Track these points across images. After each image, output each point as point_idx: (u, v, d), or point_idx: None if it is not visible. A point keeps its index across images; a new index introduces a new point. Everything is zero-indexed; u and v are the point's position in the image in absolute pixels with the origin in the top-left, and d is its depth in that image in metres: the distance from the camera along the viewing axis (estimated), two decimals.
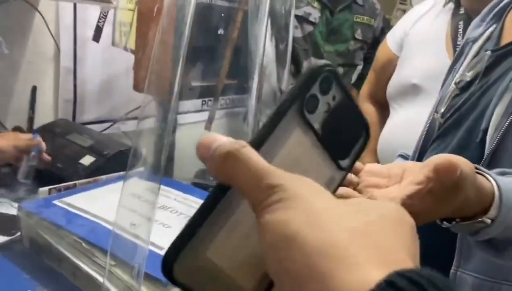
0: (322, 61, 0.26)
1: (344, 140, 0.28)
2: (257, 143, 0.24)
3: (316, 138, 0.26)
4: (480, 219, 0.47)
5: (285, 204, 0.22)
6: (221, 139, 0.24)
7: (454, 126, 0.74)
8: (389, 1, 2.45)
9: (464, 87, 0.75)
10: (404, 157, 0.85)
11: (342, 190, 0.45)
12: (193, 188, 0.99)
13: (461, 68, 0.78)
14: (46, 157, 1.10)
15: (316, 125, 0.26)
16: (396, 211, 0.24)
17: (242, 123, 2.02)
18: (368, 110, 1.50)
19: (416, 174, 0.44)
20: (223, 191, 0.24)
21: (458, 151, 0.71)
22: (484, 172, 0.49)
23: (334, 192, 0.28)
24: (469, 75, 0.75)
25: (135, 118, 1.51)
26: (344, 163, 0.28)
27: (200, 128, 1.75)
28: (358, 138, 0.28)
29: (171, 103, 0.46)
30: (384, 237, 0.21)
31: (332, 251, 0.20)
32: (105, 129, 1.51)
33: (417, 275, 0.19)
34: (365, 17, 1.88)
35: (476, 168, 0.47)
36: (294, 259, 0.20)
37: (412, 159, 0.79)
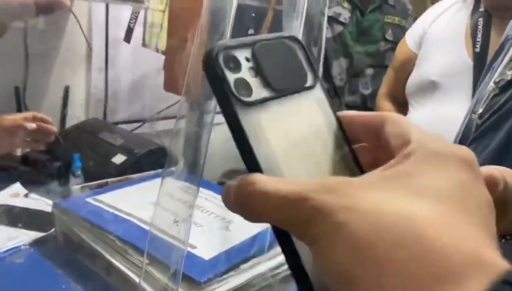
0: (208, 50, 0.23)
1: (291, 69, 0.25)
2: (255, 166, 0.22)
3: (274, 98, 0.24)
4: None
5: (329, 241, 0.18)
6: (232, 187, 0.21)
7: (493, 128, 0.72)
8: (420, 1, 2.41)
9: (504, 87, 0.72)
10: None
11: None
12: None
13: (501, 67, 0.75)
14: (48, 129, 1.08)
15: (265, 93, 0.23)
16: (464, 179, 0.20)
17: None
18: (387, 108, 1.49)
19: None
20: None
21: (497, 154, 0.69)
22: None
23: (331, 103, 0.26)
24: (509, 74, 0.72)
25: (165, 117, 1.52)
26: (309, 80, 0.26)
27: (226, 129, 1.76)
28: (296, 53, 0.26)
29: (211, 103, 0.46)
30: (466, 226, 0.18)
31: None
32: (135, 129, 1.53)
33: None
34: (396, 18, 1.85)
35: None
36: None
37: None
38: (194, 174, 0.48)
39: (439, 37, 1.31)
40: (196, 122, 0.50)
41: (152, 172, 1.07)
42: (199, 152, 0.48)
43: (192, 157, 0.49)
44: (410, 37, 1.42)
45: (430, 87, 1.27)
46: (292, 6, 0.73)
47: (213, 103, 0.51)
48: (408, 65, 1.39)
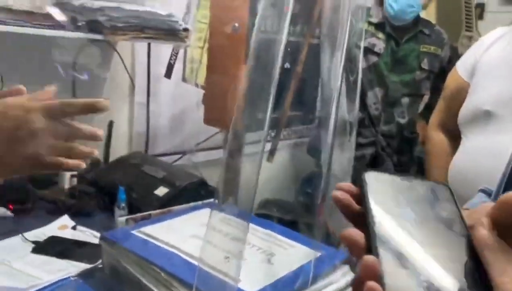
0: None
1: None
2: None
3: None
4: None
5: None
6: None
7: None
8: (455, 29, 2.40)
9: None
10: (487, 192, 0.80)
11: None
12: (262, 220, 1.00)
13: None
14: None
15: None
16: None
17: (305, 154, 2.02)
18: (438, 139, 1.47)
19: (482, 214, 0.36)
20: None
21: None
22: None
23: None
24: None
25: (204, 149, 1.56)
26: None
27: (262, 160, 1.77)
28: None
29: (263, 139, 0.47)
30: None
31: None
32: (175, 161, 1.57)
33: None
34: (432, 47, 1.84)
35: None
36: None
37: (497, 194, 0.75)
38: (244, 208, 0.49)
39: (492, 66, 1.29)
40: (244, 155, 0.51)
41: (192, 204, 1.09)
42: (248, 185, 0.49)
43: (241, 190, 0.50)
44: (462, 66, 1.40)
45: (484, 116, 1.25)
46: (331, 40, 0.75)
47: (263, 135, 0.52)
48: (460, 94, 1.36)
